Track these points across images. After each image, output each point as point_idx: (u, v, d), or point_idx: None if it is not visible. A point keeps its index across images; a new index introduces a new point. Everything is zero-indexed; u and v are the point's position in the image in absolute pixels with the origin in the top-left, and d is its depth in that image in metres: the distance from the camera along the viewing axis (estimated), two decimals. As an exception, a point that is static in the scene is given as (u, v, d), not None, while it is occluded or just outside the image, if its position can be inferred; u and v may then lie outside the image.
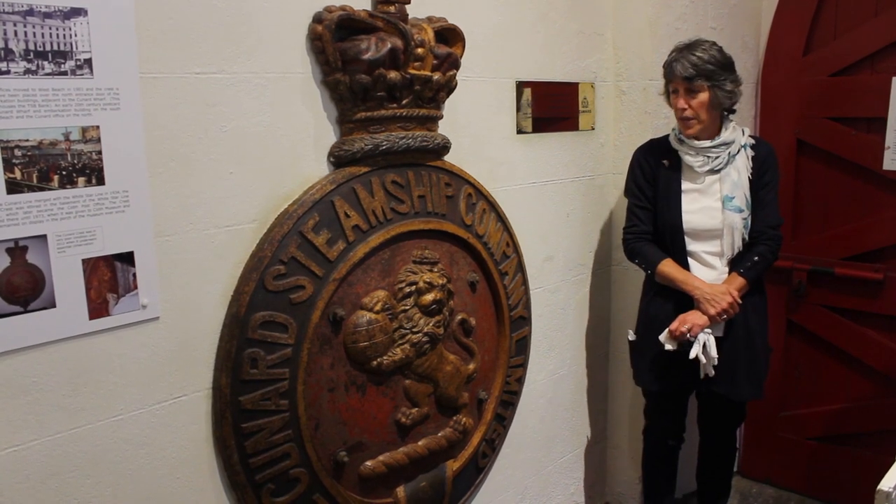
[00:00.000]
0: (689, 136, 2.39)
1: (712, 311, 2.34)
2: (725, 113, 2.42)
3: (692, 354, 2.37)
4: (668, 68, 2.38)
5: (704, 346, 2.37)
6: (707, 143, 2.38)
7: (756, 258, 2.39)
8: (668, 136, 2.50)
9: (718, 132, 2.40)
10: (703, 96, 2.34)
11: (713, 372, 2.39)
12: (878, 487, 1.47)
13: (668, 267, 2.44)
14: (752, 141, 2.44)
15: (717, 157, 2.38)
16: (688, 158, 2.41)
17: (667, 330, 2.40)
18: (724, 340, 2.42)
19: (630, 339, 2.63)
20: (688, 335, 2.35)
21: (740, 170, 2.38)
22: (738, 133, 2.42)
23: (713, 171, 2.40)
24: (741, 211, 2.37)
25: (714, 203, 2.40)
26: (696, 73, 2.31)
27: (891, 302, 2.88)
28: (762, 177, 2.41)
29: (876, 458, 2.90)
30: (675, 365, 2.45)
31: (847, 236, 2.98)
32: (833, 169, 3.00)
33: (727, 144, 2.38)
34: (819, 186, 3.05)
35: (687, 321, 2.35)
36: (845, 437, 3.11)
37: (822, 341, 3.10)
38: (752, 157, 2.41)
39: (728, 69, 2.36)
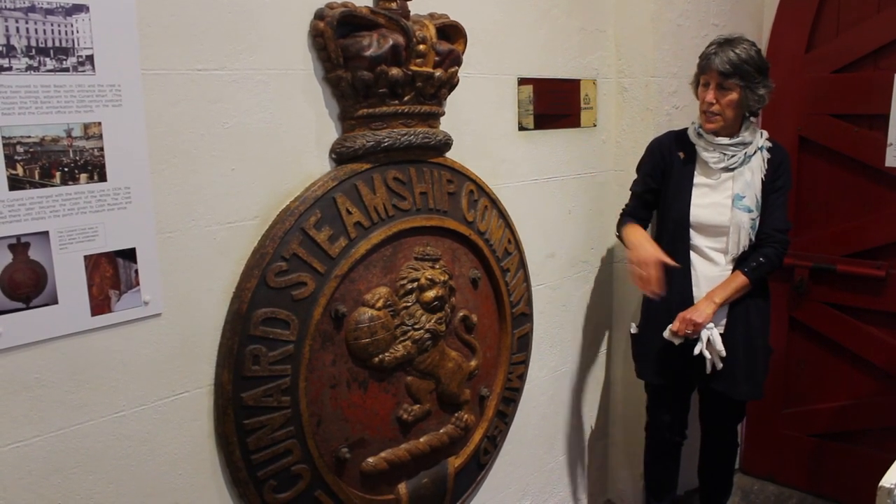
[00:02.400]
0: (708, 130, 2.39)
1: (637, 271, 2.35)
2: (747, 114, 2.41)
3: (696, 351, 2.38)
4: (706, 60, 2.36)
5: (708, 341, 2.37)
6: (725, 141, 2.38)
7: (762, 259, 2.38)
8: (686, 129, 2.51)
9: (738, 131, 2.40)
10: (733, 95, 2.33)
11: (721, 365, 2.39)
12: (880, 484, 1.47)
13: (629, 230, 2.50)
14: (770, 144, 2.43)
15: (733, 156, 2.38)
16: (704, 154, 2.42)
17: (668, 328, 2.40)
18: (724, 338, 2.41)
19: (632, 331, 2.64)
20: (690, 333, 2.36)
21: (754, 170, 2.38)
22: (757, 134, 2.42)
23: (728, 169, 2.40)
24: (750, 211, 2.37)
25: (724, 200, 2.40)
26: (733, 71, 2.29)
27: (893, 299, 2.88)
28: (775, 181, 2.41)
29: (878, 455, 2.90)
30: (677, 358, 2.46)
31: (849, 233, 2.97)
32: (835, 166, 3.00)
33: (745, 144, 2.38)
34: (821, 183, 3.05)
35: (687, 321, 2.35)
36: (847, 434, 3.11)
37: (824, 338, 3.10)
38: (768, 161, 2.40)
39: (763, 73, 2.35)
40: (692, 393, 2.71)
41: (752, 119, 2.43)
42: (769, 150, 2.42)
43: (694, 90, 2.49)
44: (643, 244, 2.40)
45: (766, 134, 2.45)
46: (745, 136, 2.39)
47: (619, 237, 2.59)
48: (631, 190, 2.62)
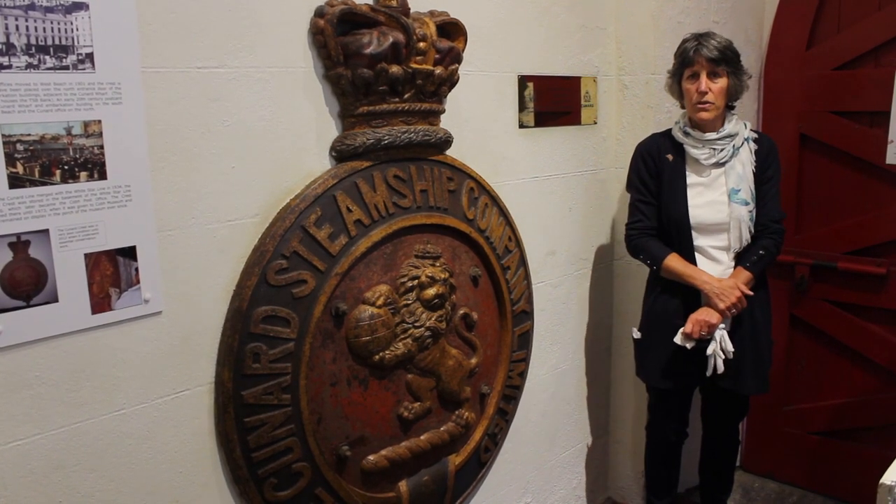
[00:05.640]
0: (704, 120, 2.37)
1: (721, 306, 2.33)
2: (728, 105, 2.43)
3: (709, 351, 2.37)
4: (692, 52, 2.36)
5: (720, 341, 2.36)
6: (713, 136, 2.39)
7: (762, 252, 2.39)
8: (669, 130, 2.50)
9: (722, 124, 2.41)
10: (723, 82, 2.36)
11: (723, 368, 2.39)
12: (881, 481, 1.47)
13: (674, 262, 2.43)
14: (755, 135, 2.45)
15: (721, 150, 2.38)
16: (693, 151, 2.41)
17: (680, 332, 2.39)
18: (730, 335, 2.41)
19: (635, 336, 2.62)
20: (705, 335, 2.35)
21: (744, 163, 2.39)
22: (741, 126, 2.43)
23: (718, 164, 2.40)
24: (747, 204, 2.37)
25: (720, 197, 2.40)
26: (722, 57, 2.33)
27: (894, 296, 2.88)
28: (765, 171, 2.42)
29: (879, 453, 2.90)
30: (683, 361, 2.45)
31: (850, 231, 2.97)
32: (836, 163, 2.99)
33: (731, 137, 2.39)
34: (822, 181, 3.04)
35: (701, 322, 2.35)
36: (848, 431, 3.10)
37: (824, 336, 3.09)
38: (756, 151, 2.42)
39: (740, 60, 2.41)
40: (694, 392, 2.71)
41: (733, 111, 2.45)
42: (755, 140, 2.43)
43: (675, 90, 2.49)
44: (712, 278, 2.38)
45: (749, 125, 2.46)
46: (729, 128, 2.40)
47: (652, 264, 2.48)
48: (635, 203, 2.53)
